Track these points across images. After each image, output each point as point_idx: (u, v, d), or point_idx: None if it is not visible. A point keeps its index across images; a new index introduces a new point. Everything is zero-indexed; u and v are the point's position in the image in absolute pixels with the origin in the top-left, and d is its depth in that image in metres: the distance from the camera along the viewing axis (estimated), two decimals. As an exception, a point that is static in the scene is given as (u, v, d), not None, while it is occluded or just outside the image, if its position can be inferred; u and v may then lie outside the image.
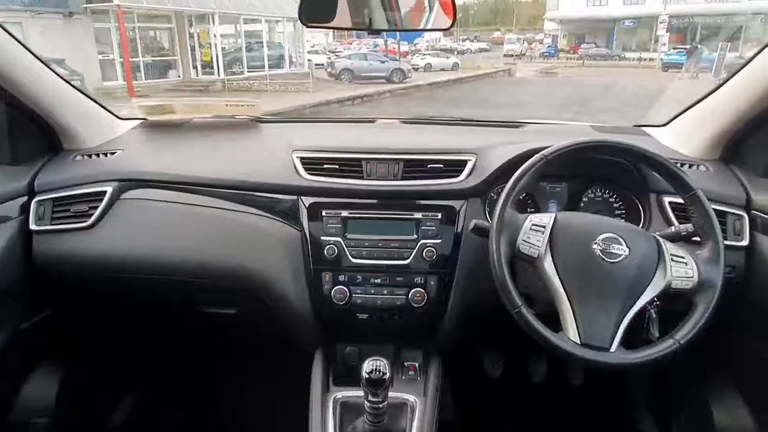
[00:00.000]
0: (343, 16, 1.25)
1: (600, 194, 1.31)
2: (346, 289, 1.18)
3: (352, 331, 1.25)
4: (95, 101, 1.48)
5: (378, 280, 1.18)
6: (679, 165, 1.24)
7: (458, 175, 1.23)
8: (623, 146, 1.05)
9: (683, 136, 1.37)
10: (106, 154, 1.38)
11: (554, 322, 0.96)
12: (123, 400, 1.69)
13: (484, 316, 1.19)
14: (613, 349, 0.92)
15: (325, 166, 1.24)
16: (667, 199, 1.19)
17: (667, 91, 13.33)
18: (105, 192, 1.26)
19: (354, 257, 1.19)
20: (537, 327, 0.94)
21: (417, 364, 1.28)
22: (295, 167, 1.25)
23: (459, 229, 1.20)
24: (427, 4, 1.30)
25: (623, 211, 1.29)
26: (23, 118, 1.30)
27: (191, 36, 16.76)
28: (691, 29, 30.54)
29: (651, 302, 0.97)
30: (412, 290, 1.18)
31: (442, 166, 1.24)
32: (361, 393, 1.02)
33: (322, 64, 19.85)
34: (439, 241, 1.19)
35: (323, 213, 1.21)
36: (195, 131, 1.55)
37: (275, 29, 18.63)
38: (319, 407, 1.14)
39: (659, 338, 0.97)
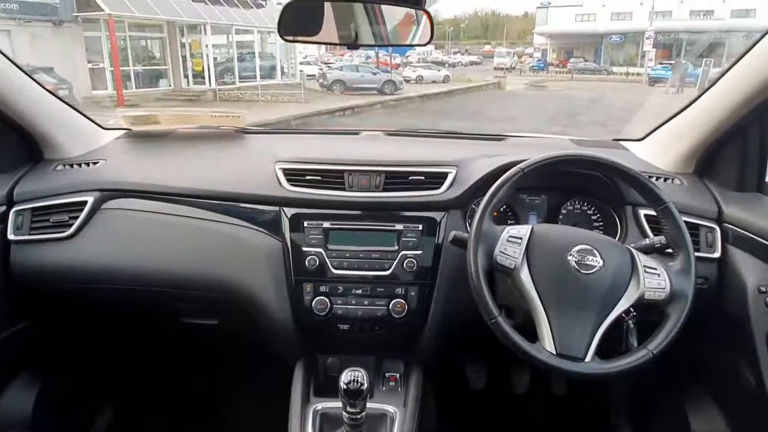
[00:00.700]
0: (329, 30, 1.26)
1: (578, 206, 1.33)
2: (328, 300, 1.18)
3: (334, 341, 1.25)
4: (78, 111, 1.47)
5: (359, 291, 1.19)
6: (654, 178, 1.28)
7: (439, 187, 1.25)
8: (597, 160, 1.07)
9: (659, 149, 1.40)
10: (88, 164, 1.37)
11: (533, 333, 0.98)
12: (102, 412, 1.66)
13: (464, 327, 1.20)
14: (587, 359, 0.94)
15: (308, 177, 1.25)
16: (642, 212, 1.22)
17: (649, 106, 13.58)
18: (86, 202, 1.26)
19: (335, 268, 1.19)
20: (513, 337, 0.95)
21: (398, 375, 1.29)
22: (278, 178, 1.26)
23: (439, 241, 1.22)
24: (415, 17, 1.32)
25: (601, 223, 1.31)
26: (3, 127, 1.30)
27: (183, 46, 16.77)
28: (677, 45, 31.20)
29: (627, 313, 0.98)
30: (393, 301, 1.18)
31: (423, 178, 1.25)
32: (341, 404, 1.02)
33: (314, 75, 19.99)
34: (419, 252, 1.20)
35: (305, 224, 1.21)
36: (179, 142, 1.55)
37: (267, 40, 18.70)
38: (298, 418, 1.14)
39: (635, 348, 0.99)
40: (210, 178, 1.31)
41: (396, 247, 1.20)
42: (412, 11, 1.29)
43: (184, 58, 16.74)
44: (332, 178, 1.25)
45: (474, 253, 0.99)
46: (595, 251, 0.99)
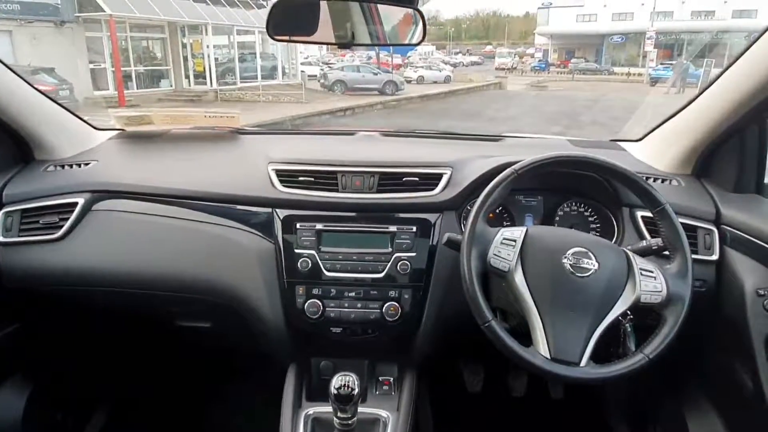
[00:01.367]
0: (325, 30, 1.25)
1: (575, 208, 1.31)
2: (320, 303, 1.17)
3: (326, 344, 1.24)
4: (70, 112, 1.46)
5: (352, 294, 1.18)
6: (651, 179, 1.27)
7: (434, 189, 1.23)
8: (592, 161, 1.06)
9: (657, 150, 1.39)
10: (79, 165, 1.36)
11: (527, 336, 0.96)
12: (93, 415, 1.65)
13: (459, 330, 1.18)
14: (582, 363, 0.92)
15: (301, 178, 1.24)
16: (639, 214, 1.20)
17: (651, 106, 13.56)
18: (76, 203, 1.25)
19: (328, 270, 1.18)
20: (507, 342, 0.93)
21: (392, 379, 1.27)
22: (271, 179, 1.25)
23: (434, 243, 1.20)
24: (413, 17, 1.31)
25: (598, 225, 1.29)
26: None
27: (184, 46, 16.78)
28: (678, 45, 31.17)
29: (623, 316, 0.97)
30: (386, 304, 1.17)
31: (417, 179, 1.24)
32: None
33: (315, 76, 19.97)
34: (413, 254, 1.19)
35: (298, 225, 1.20)
36: (173, 142, 1.54)
37: (268, 40, 18.63)
38: (289, 422, 1.13)
39: (631, 352, 0.97)
40: (202, 179, 1.30)
41: (390, 249, 1.19)
42: (407, 11, 1.28)
43: (185, 58, 16.76)
44: (325, 179, 1.24)
45: (467, 256, 0.97)
46: (590, 254, 0.98)
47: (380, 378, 1.27)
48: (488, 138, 1.61)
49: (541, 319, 0.94)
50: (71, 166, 1.36)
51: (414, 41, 1.29)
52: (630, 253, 1.01)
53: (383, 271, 1.18)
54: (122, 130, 1.57)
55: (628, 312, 0.96)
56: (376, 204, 1.23)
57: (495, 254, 0.99)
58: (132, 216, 1.26)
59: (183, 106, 13.24)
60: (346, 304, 1.17)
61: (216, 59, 16.82)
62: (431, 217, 1.22)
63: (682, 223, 1.02)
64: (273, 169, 1.26)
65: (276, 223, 1.21)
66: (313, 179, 1.24)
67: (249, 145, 1.54)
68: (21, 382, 1.41)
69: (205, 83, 16.45)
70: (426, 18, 1.28)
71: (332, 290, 1.17)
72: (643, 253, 1.04)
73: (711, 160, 1.29)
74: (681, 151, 1.31)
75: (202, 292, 1.23)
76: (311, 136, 1.80)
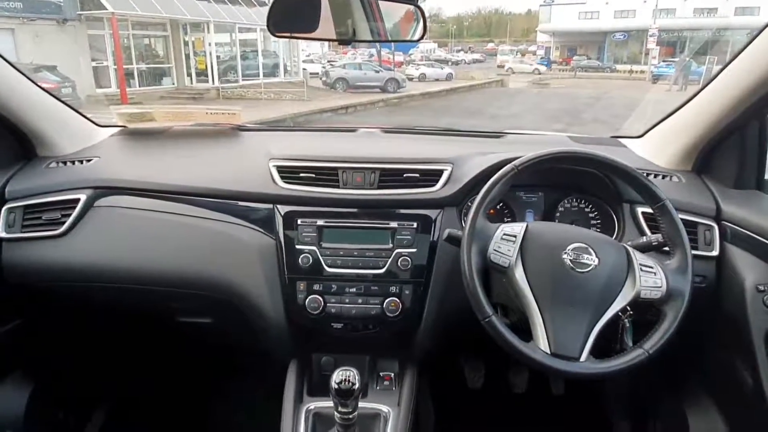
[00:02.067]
0: (326, 27, 1.25)
1: (576, 204, 1.31)
2: (321, 299, 1.17)
3: (327, 340, 1.24)
4: (73, 108, 1.47)
5: (353, 290, 1.18)
6: (651, 176, 1.26)
7: (434, 185, 1.24)
8: (592, 157, 1.06)
9: (658, 146, 1.39)
10: (81, 161, 1.37)
11: (528, 332, 0.96)
12: (94, 413, 1.66)
13: (460, 326, 1.19)
14: (582, 358, 0.92)
15: (301, 174, 1.24)
16: (640, 210, 1.20)
17: (653, 103, 13.51)
18: (78, 199, 1.25)
19: (329, 266, 1.18)
20: (507, 337, 0.94)
21: (392, 374, 1.28)
22: (272, 176, 1.25)
23: (434, 239, 1.20)
24: (414, 14, 1.31)
25: (598, 221, 1.29)
26: None
27: (186, 44, 16.79)
28: (680, 43, 31.06)
29: (623, 312, 0.97)
30: (387, 299, 1.17)
31: (418, 175, 1.24)
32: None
33: (317, 73, 19.96)
34: (414, 250, 1.19)
35: (299, 222, 1.20)
36: (174, 139, 1.54)
37: (270, 38, 18.63)
38: (290, 418, 1.13)
39: (630, 348, 0.98)
40: (203, 175, 1.30)
41: (390, 245, 1.19)
42: (407, 7, 1.28)
43: (187, 56, 16.77)
44: (326, 175, 1.24)
45: (468, 252, 0.98)
46: (591, 249, 0.98)
47: (381, 373, 1.28)
48: (489, 135, 1.61)
49: (541, 314, 0.95)
50: (73, 162, 1.37)
51: (415, 38, 1.29)
52: (630, 249, 1.01)
53: (384, 266, 1.18)
54: (124, 126, 1.57)
55: (628, 307, 0.97)
56: (377, 200, 1.23)
57: (495, 250, 0.99)
58: (134, 212, 1.26)
59: (185, 103, 13.23)
60: (347, 300, 1.18)
61: (218, 57, 16.83)
62: (432, 213, 1.22)
63: (682, 219, 1.02)
64: (274, 166, 1.26)
65: (277, 219, 1.21)
66: (314, 175, 1.24)
67: (250, 142, 1.55)
68: (23, 379, 1.41)
69: (207, 81, 16.47)
70: (428, 15, 1.28)
71: (333, 286, 1.18)
72: (644, 248, 1.05)
73: (711, 157, 1.29)
74: (681, 148, 1.31)
75: (203, 288, 1.24)
76: (312, 133, 1.80)
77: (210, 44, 16.48)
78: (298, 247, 1.19)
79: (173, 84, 16.46)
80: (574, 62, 34.17)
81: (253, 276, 1.20)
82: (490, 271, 1.02)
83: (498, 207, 1.31)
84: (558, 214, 1.31)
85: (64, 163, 1.37)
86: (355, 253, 1.19)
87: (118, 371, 1.72)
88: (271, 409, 1.19)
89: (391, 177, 1.24)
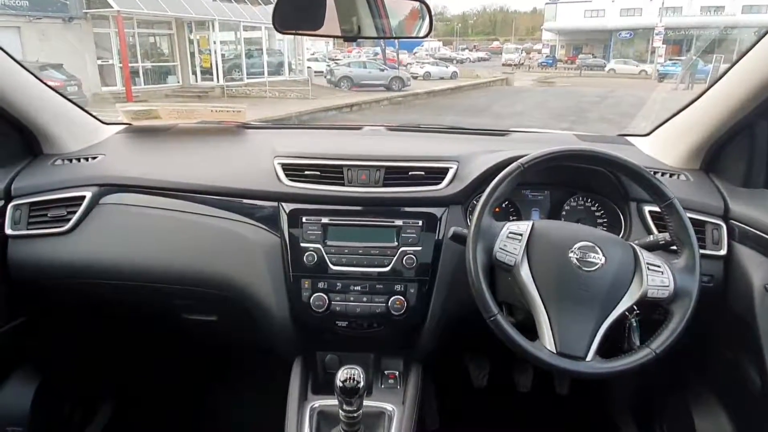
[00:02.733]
0: (331, 24, 1.25)
1: (582, 203, 1.31)
2: (326, 297, 1.17)
3: (332, 338, 1.24)
4: (78, 106, 1.47)
5: (358, 288, 1.17)
6: (659, 174, 1.26)
7: (439, 183, 1.23)
8: (599, 155, 1.05)
9: (665, 145, 1.37)
10: (87, 159, 1.37)
11: (534, 331, 0.96)
12: (100, 409, 1.67)
13: (464, 324, 1.18)
14: (588, 358, 0.92)
15: (306, 172, 1.24)
16: (647, 208, 1.19)
17: (659, 102, 13.43)
18: (84, 197, 1.25)
19: (334, 264, 1.18)
20: (512, 335, 0.93)
21: (397, 373, 1.28)
22: (277, 173, 1.25)
23: (440, 237, 1.20)
24: (420, 11, 1.31)
25: (605, 220, 1.29)
26: (1, 123, 1.29)
27: (191, 42, 16.83)
28: (687, 41, 30.84)
29: (630, 311, 0.96)
30: (392, 298, 1.17)
31: (423, 173, 1.24)
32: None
33: (322, 72, 19.96)
34: (419, 248, 1.19)
35: (303, 219, 1.20)
36: (179, 137, 1.54)
37: (275, 36, 18.67)
38: (295, 416, 1.14)
39: (637, 347, 0.97)
40: (209, 173, 1.30)
41: (395, 243, 1.19)
42: (413, 4, 1.28)
43: (192, 54, 16.82)
44: (331, 173, 1.24)
45: (473, 250, 0.97)
46: (597, 248, 0.97)
47: (386, 372, 1.28)
48: (494, 132, 1.60)
49: (547, 313, 0.94)
50: (79, 159, 1.37)
51: (421, 34, 1.28)
52: (637, 248, 1.00)
53: (389, 265, 1.18)
54: (129, 124, 1.57)
55: (635, 307, 0.96)
56: (382, 198, 1.22)
57: (501, 248, 0.99)
58: (139, 209, 1.27)
59: (190, 101, 13.29)
60: (352, 298, 1.17)
61: (223, 55, 16.86)
62: (437, 211, 1.22)
63: (690, 218, 1.01)
64: (279, 163, 1.26)
65: (282, 216, 1.21)
66: (319, 173, 1.24)
67: (255, 140, 1.55)
68: (28, 375, 1.42)
69: (212, 79, 16.50)
70: (433, 13, 1.28)
71: (338, 284, 1.17)
72: (651, 247, 1.04)
73: (719, 155, 1.28)
74: (689, 146, 1.30)
75: (207, 286, 1.24)
76: (317, 131, 1.80)
77: (215, 42, 16.51)
78: (302, 244, 1.19)
79: (178, 82, 16.50)
80: (579, 60, 34.01)
81: (257, 274, 1.20)
82: (495, 269, 1.02)
83: (503, 205, 1.31)
84: (564, 213, 1.31)
85: (70, 160, 1.37)
86: (360, 251, 1.18)
87: (123, 367, 1.73)
88: (276, 407, 1.19)
89: (396, 175, 1.23)
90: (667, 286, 0.95)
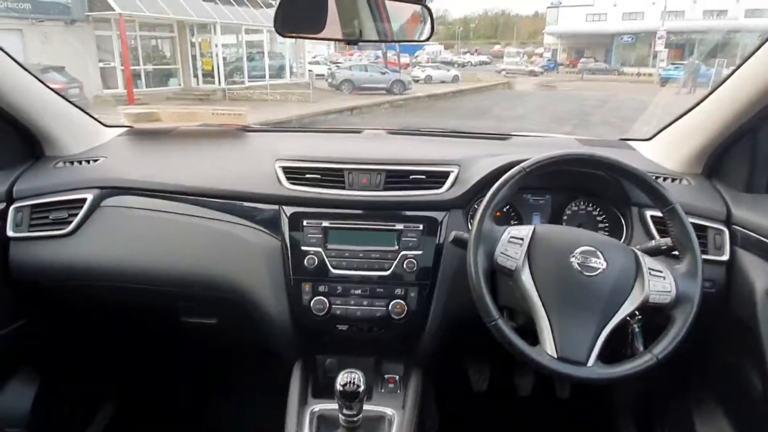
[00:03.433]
0: (333, 27, 1.25)
1: (583, 207, 1.30)
2: (326, 300, 1.17)
3: (332, 342, 1.24)
4: (80, 108, 1.48)
5: (358, 291, 1.17)
6: (660, 179, 1.25)
7: (440, 187, 1.23)
8: (600, 159, 1.05)
9: (667, 149, 1.37)
10: (88, 161, 1.37)
11: (535, 336, 0.95)
12: (100, 411, 1.67)
13: (465, 329, 1.18)
14: (590, 363, 0.91)
15: (307, 175, 1.24)
16: (648, 213, 1.19)
17: (661, 106, 13.43)
18: (85, 199, 1.25)
19: (334, 268, 1.18)
20: (513, 340, 0.93)
21: (397, 377, 1.27)
22: (278, 177, 1.25)
23: (440, 241, 1.20)
24: (421, 15, 1.31)
25: (606, 224, 1.28)
26: (3, 124, 1.30)
27: (193, 45, 16.87)
28: (689, 45, 30.87)
29: (631, 316, 0.96)
30: (393, 302, 1.17)
31: (424, 177, 1.24)
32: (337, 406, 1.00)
33: (323, 75, 19.98)
34: (420, 252, 1.18)
35: (304, 223, 1.20)
36: (180, 139, 1.55)
37: (276, 39, 18.70)
38: (294, 420, 1.13)
39: (639, 352, 0.96)
40: (210, 175, 1.30)
41: (396, 247, 1.19)
42: (414, 8, 1.28)
43: (194, 57, 16.85)
44: (332, 176, 1.24)
45: (474, 254, 0.97)
46: (599, 253, 0.97)
47: (386, 376, 1.27)
48: (495, 136, 1.60)
49: (548, 318, 0.94)
50: (80, 162, 1.37)
51: (422, 38, 1.28)
52: (639, 253, 1.00)
53: (389, 268, 1.17)
54: (131, 127, 1.58)
55: (637, 312, 0.95)
56: (383, 202, 1.22)
57: (502, 253, 0.98)
58: (140, 212, 1.27)
59: (191, 104, 13.31)
60: (352, 302, 1.17)
61: (224, 58, 16.89)
62: (438, 215, 1.21)
63: (692, 223, 1.01)
64: (280, 167, 1.26)
65: (283, 220, 1.21)
66: (320, 176, 1.24)
67: (256, 143, 1.55)
68: (29, 376, 1.42)
69: (214, 82, 16.53)
70: (434, 16, 1.28)
71: (338, 288, 1.17)
72: (652, 252, 1.03)
73: (722, 160, 1.28)
74: (691, 151, 1.30)
75: (207, 289, 1.24)
76: (318, 134, 1.80)
77: (216, 45, 16.55)
78: (303, 248, 1.18)
79: (180, 85, 16.53)
80: (581, 64, 34.05)
81: (258, 277, 1.20)
82: (496, 274, 1.01)
83: (504, 210, 1.30)
84: (565, 217, 1.30)
85: (71, 162, 1.37)
86: (361, 255, 1.18)
87: (123, 370, 1.72)
88: (275, 410, 1.19)
89: (397, 178, 1.23)
90: (669, 292, 0.95)
